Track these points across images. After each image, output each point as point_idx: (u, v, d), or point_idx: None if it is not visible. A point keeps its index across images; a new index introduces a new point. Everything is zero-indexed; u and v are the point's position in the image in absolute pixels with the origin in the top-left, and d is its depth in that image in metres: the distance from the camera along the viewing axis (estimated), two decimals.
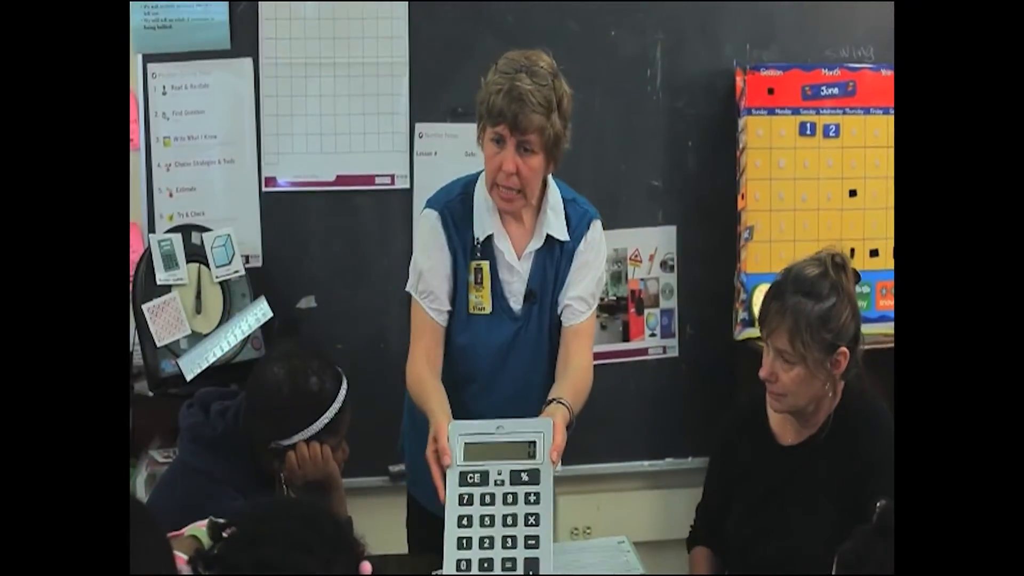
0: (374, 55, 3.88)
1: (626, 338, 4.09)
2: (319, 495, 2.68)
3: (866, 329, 3.84)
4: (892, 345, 3.99)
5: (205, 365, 3.55)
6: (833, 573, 2.16)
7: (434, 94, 3.90)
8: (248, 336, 3.62)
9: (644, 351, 4.12)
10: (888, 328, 4.07)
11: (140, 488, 3.49)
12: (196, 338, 3.60)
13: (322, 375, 2.75)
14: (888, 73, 4.07)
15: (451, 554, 2.55)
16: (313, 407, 2.73)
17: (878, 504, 2.13)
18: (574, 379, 2.91)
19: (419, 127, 3.90)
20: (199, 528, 2.08)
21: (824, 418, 2.78)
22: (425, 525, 3.16)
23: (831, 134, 4.05)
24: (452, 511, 2.59)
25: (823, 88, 4.03)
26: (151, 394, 3.59)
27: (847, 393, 2.78)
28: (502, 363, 2.99)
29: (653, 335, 4.11)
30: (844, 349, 2.71)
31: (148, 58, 3.78)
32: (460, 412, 2.81)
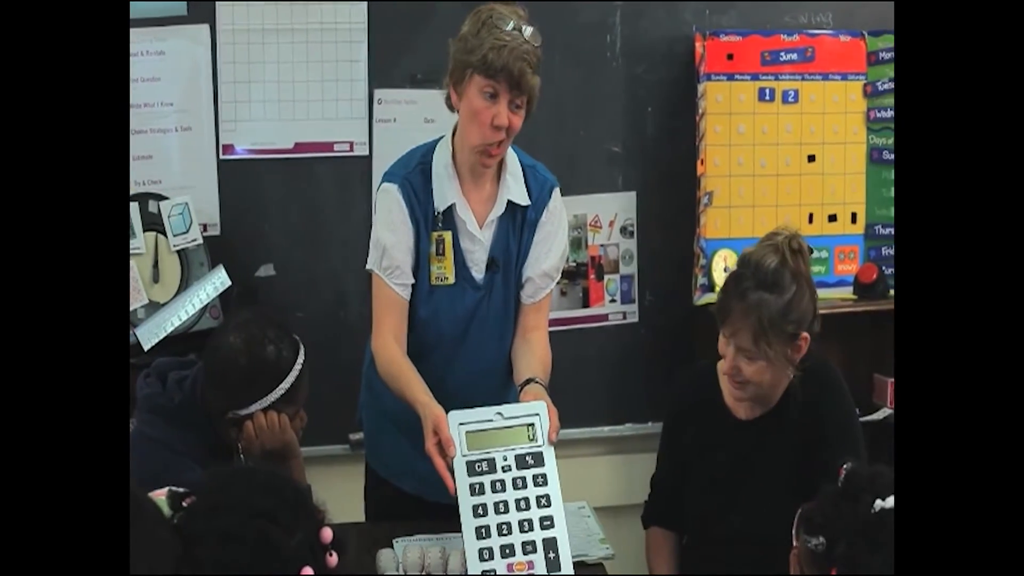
0: (332, 21, 3.85)
1: (586, 304, 4.09)
2: (277, 464, 2.68)
3: (824, 294, 3.89)
4: (850, 310, 4.02)
5: (163, 335, 3.53)
6: (794, 532, 2.18)
7: (393, 60, 3.88)
8: (206, 305, 3.60)
9: (604, 317, 4.12)
10: (846, 292, 4.09)
11: None
12: (153, 307, 3.58)
13: (279, 343, 2.75)
14: (846, 39, 4.08)
15: (472, 544, 2.59)
16: (270, 376, 2.73)
17: (844, 467, 2.15)
18: (541, 356, 2.96)
19: (378, 93, 3.88)
20: (158, 498, 2.07)
21: (780, 393, 2.79)
22: (383, 494, 3.17)
23: (790, 100, 4.05)
24: (466, 501, 2.62)
25: (782, 54, 4.04)
26: None
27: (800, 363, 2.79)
28: (464, 333, 2.99)
29: (613, 301, 4.12)
30: (805, 335, 2.71)
31: None
32: (425, 380, 2.82)
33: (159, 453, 2.65)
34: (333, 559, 2.03)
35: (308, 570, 1.95)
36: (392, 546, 2.82)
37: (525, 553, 2.59)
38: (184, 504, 2.00)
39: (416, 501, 3.04)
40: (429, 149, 2.96)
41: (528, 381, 2.84)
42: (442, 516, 2.79)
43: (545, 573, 2.59)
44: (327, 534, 2.02)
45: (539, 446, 2.68)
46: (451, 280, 2.94)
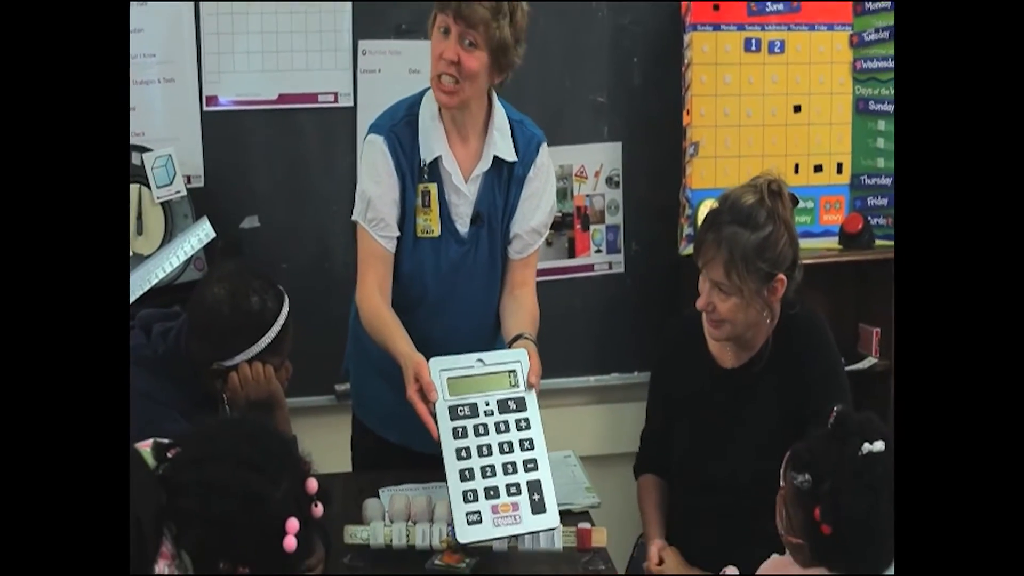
0: None
1: (572, 254, 4.09)
2: (262, 415, 2.68)
3: (810, 244, 3.93)
4: (835, 259, 4.03)
5: (147, 287, 3.50)
6: (782, 472, 2.21)
7: (378, 10, 3.84)
8: (191, 257, 3.57)
9: (590, 267, 4.12)
10: (831, 242, 4.10)
11: None
12: (138, 260, 3.55)
13: (263, 294, 2.75)
14: None
15: (455, 486, 2.60)
16: (255, 327, 2.73)
17: (835, 409, 2.19)
18: (530, 311, 2.98)
19: (362, 44, 3.85)
20: (143, 449, 2.08)
21: (764, 340, 2.80)
22: (369, 445, 3.18)
23: (776, 50, 4.04)
24: (449, 445, 2.63)
25: (768, 4, 4.02)
26: None
27: (783, 310, 2.80)
28: (451, 287, 2.99)
29: (599, 251, 4.11)
30: (781, 276, 2.72)
31: None
32: (411, 335, 2.82)
33: (143, 405, 2.63)
34: (318, 510, 2.04)
35: (293, 521, 1.97)
36: (378, 496, 2.83)
37: (509, 495, 2.61)
38: (169, 455, 2.01)
39: (402, 451, 3.05)
40: (415, 101, 2.96)
41: (517, 337, 2.85)
42: (428, 466, 2.80)
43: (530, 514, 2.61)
44: (312, 485, 2.03)
45: (521, 391, 2.70)
46: (436, 232, 2.94)
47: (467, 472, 2.61)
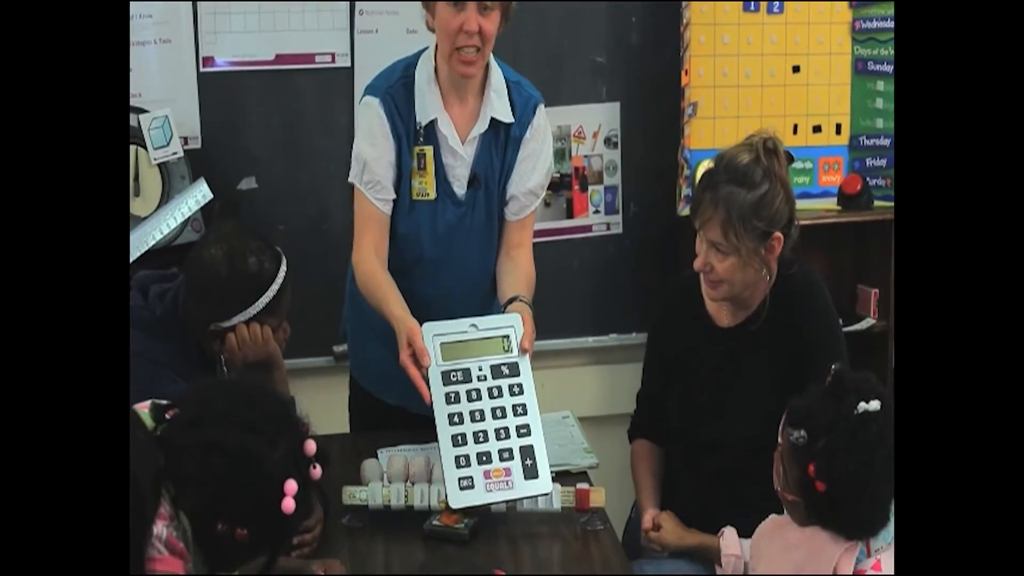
0: None
1: (570, 215, 4.08)
2: (260, 376, 2.69)
3: (808, 204, 3.92)
4: (834, 220, 4.03)
5: (144, 249, 3.50)
6: (780, 429, 2.22)
7: None
8: (188, 218, 3.57)
9: (588, 228, 4.12)
10: (830, 203, 4.09)
11: None
12: (135, 221, 3.54)
13: (260, 255, 2.74)
14: None
15: (448, 452, 2.61)
16: (252, 288, 2.73)
17: (833, 367, 2.20)
18: (526, 273, 2.98)
19: (359, 4, 3.83)
20: (141, 410, 2.08)
21: (760, 299, 2.80)
22: (368, 406, 3.19)
23: (775, 10, 4.02)
24: (441, 410, 2.64)
25: None
26: None
27: (780, 269, 2.80)
28: (447, 248, 2.99)
29: (597, 212, 4.11)
30: (778, 234, 2.71)
31: None
32: (407, 297, 2.83)
33: (141, 366, 2.63)
34: (317, 471, 2.05)
35: (292, 482, 1.97)
36: (376, 456, 2.84)
37: (502, 460, 2.62)
38: (167, 416, 2.01)
39: (400, 412, 3.06)
40: (411, 62, 2.95)
41: (512, 299, 2.85)
42: (426, 427, 2.80)
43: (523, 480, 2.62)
44: (311, 446, 2.03)
45: (514, 356, 2.71)
46: (432, 195, 2.94)
47: (459, 437, 2.62)
